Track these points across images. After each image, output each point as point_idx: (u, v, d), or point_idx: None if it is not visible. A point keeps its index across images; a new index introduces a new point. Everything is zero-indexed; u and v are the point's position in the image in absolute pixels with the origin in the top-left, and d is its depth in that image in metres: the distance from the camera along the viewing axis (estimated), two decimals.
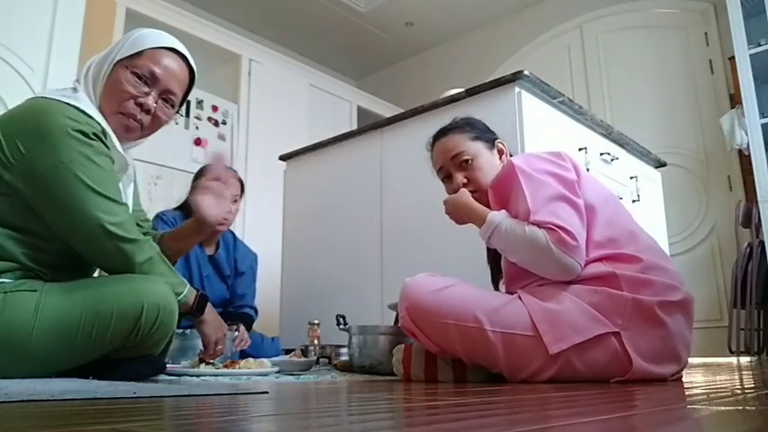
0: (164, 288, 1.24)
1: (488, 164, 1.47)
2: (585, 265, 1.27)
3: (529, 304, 1.24)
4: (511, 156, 1.51)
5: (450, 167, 1.50)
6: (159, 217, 2.19)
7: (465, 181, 1.47)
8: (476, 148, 1.48)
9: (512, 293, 1.33)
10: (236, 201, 2.23)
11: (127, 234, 1.23)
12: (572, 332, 1.19)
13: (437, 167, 1.55)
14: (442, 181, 1.55)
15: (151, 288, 1.21)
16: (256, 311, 2.37)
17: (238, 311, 2.31)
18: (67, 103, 1.24)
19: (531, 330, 1.21)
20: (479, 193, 1.44)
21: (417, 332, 1.31)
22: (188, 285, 1.37)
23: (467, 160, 1.47)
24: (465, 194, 1.43)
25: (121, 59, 1.33)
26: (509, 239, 1.30)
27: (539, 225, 1.25)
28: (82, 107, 1.24)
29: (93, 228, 1.19)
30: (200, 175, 2.24)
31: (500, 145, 1.53)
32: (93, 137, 1.22)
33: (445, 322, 1.25)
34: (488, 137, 1.53)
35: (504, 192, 1.37)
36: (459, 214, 1.44)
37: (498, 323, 1.23)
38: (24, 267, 1.23)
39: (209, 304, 1.43)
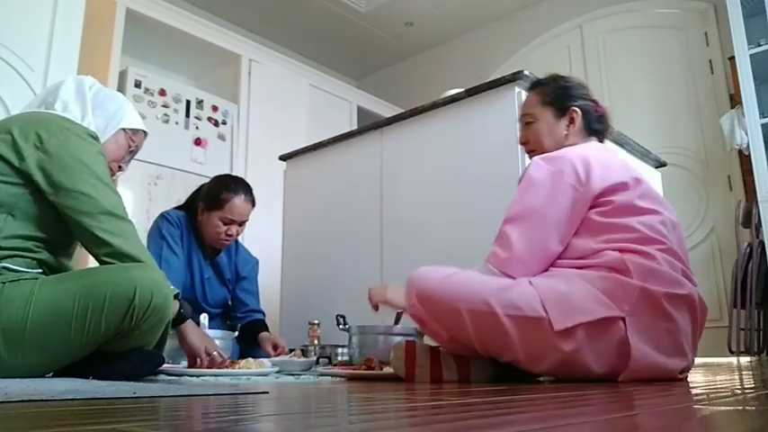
0: (157, 274, 1.29)
1: (549, 129, 1.55)
2: (599, 252, 1.31)
3: (537, 285, 1.27)
4: (591, 123, 1.56)
5: (521, 122, 1.62)
6: (164, 216, 2.18)
7: (525, 140, 1.60)
8: (542, 113, 1.56)
9: None
10: (243, 223, 2.21)
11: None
12: (579, 313, 1.21)
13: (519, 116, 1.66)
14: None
15: (143, 274, 1.26)
16: (264, 314, 2.35)
17: (249, 319, 2.28)
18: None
19: (541, 311, 1.22)
20: (536, 153, 1.54)
21: (428, 319, 1.32)
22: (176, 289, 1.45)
23: (530, 122, 1.58)
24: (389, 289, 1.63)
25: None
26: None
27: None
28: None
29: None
30: (218, 185, 2.20)
31: (573, 113, 1.54)
32: None
33: (457, 308, 1.26)
34: (562, 104, 1.55)
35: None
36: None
37: (508, 304, 1.23)
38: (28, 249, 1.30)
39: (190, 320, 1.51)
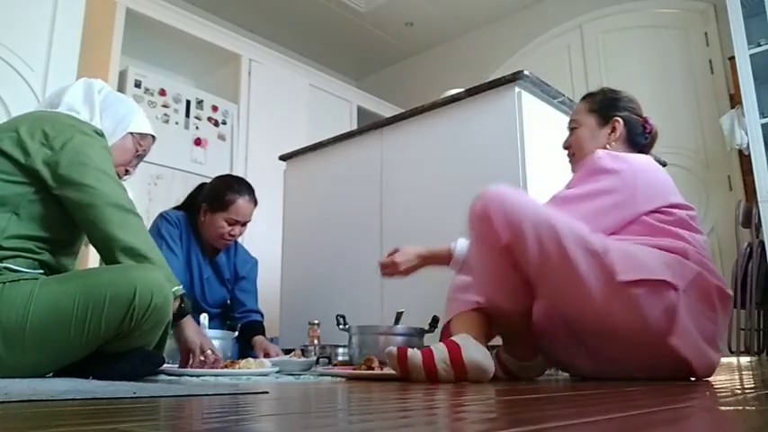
0: (157, 275, 1.28)
1: (591, 136, 1.59)
2: (662, 240, 1.36)
3: (604, 239, 1.32)
4: (633, 135, 1.60)
5: (568, 129, 1.68)
6: (163, 216, 2.18)
7: (568, 145, 1.65)
8: (586, 120, 1.61)
9: None
10: (245, 224, 2.22)
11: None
12: (644, 269, 1.25)
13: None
14: None
15: (143, 274, 1.25)
16: (262, 315, 2.35)
17: (247, 319, 2.27)
18: None
19: (601, 251, 1.26)
20: (576, 157, 1.60)
21: (497, 215, 1.31)
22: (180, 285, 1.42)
23: (574, 127, 1.64)
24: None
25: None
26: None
27: None
28: None
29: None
30: (221, 186, 2.20)
31: (616, 123, 1.58)
32: None
33: (520, 219, 1.28)
34: (607, 113, 1.60)
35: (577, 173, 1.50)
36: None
37: (575, 232, 1.27)
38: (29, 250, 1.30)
39: (189, 317, 1.49)
